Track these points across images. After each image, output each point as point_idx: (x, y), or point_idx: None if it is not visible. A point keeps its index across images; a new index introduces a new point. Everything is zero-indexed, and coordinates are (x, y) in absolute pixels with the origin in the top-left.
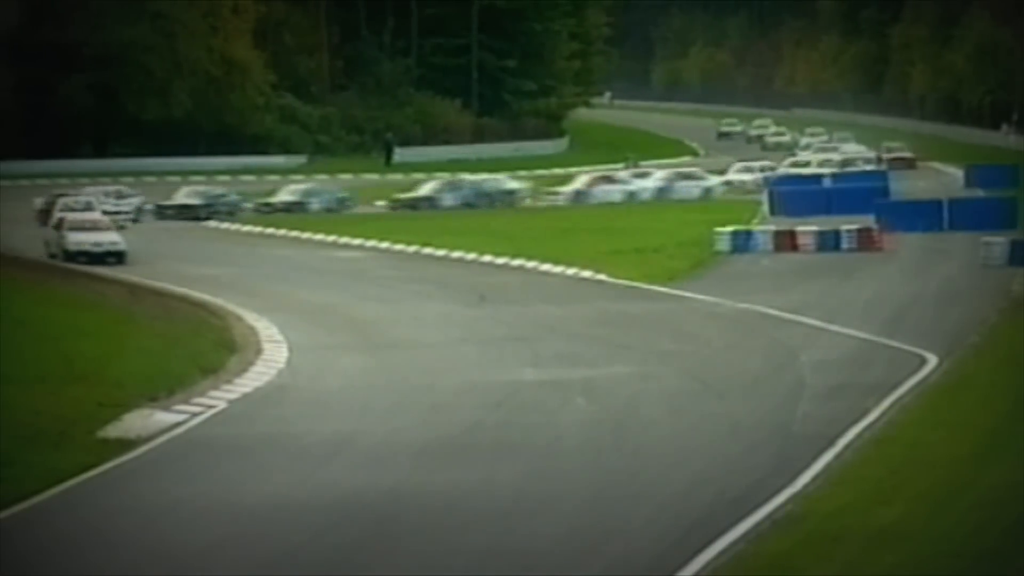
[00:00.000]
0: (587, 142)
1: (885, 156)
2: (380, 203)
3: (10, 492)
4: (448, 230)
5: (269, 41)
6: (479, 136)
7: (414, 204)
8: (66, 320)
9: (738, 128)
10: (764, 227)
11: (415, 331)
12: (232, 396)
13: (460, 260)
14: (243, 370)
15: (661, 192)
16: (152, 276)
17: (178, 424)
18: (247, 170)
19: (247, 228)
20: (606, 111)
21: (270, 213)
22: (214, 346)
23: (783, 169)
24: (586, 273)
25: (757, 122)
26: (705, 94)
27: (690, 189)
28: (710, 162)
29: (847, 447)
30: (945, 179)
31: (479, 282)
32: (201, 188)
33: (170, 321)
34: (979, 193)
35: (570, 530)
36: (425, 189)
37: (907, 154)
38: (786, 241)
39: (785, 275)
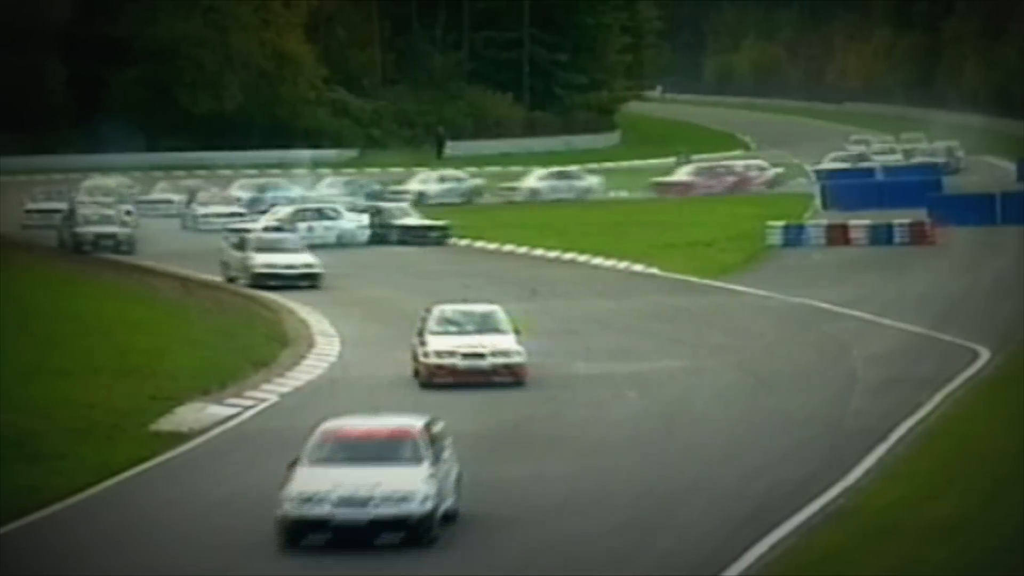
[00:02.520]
0: (638, 136)
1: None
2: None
3: (64, 485)
4: (499, 223)
5: (321, 35)
6: (530, 130)
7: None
8: (119, 314)
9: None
10: (816, 221)
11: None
12: (284, 390)
13: (511, 254)
14: (295, 364)
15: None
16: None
17: (230, 417)
18: (299, 164)
19: None
20: (657, 105)
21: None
22: (266, 339)
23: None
24: (638, 267)
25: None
26: (757, 88)
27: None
28: (761, 156)
29: (899, 441)
30: (998, 173)
31: (530, 276)
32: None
33: (222, 314)
34: None
35: (621, 524)
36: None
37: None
38: (838, 235)
39: (837, 269)
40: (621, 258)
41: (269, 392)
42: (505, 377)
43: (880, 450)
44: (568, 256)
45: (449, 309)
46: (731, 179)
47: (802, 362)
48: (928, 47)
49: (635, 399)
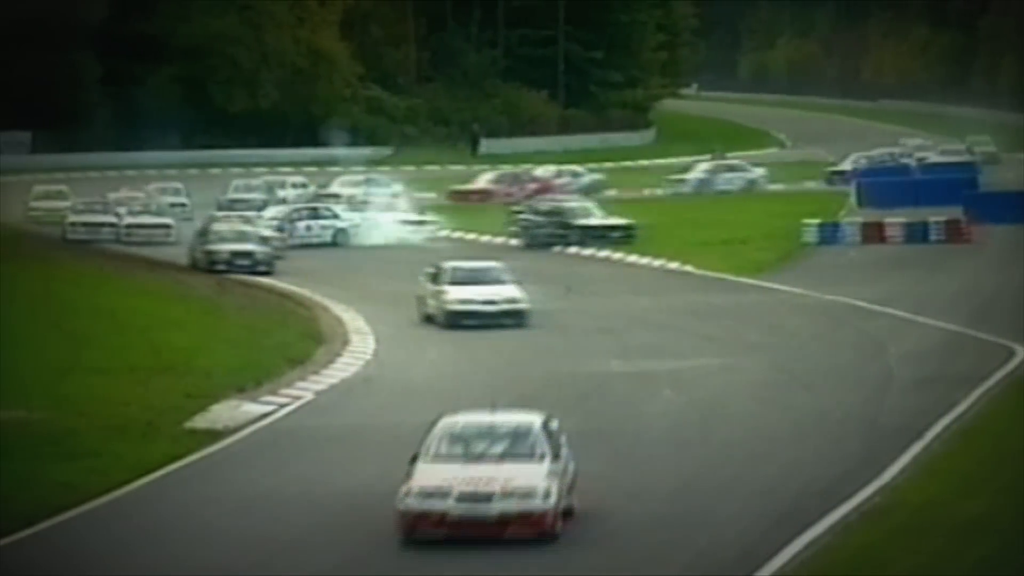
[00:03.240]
0: (674, 133)
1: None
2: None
3: (99, 482)
4: None
5: (356, 32)
6: (565, 127)
7: None
8: (154, 311)
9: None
10: (852, 219)
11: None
12: (319, 387)
13: (545, 251)
14: (330, 361)
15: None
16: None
17: (266, 415)
18: (333, 161)
19: None
20: (693, 102)
21: None
22: (301, 337)
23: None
24: (673, 265)
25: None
26: (792, 85)
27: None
28: (796, 153)
29: (935, 439)
30: None
31: (565, 273)
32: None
33: (257, 312)
34: None
35: (657, 521)
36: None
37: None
38: (874, 233)
39: (873, 267)
40: (656, 256)
41: (304, 389)
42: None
43: (916, 448)
44: (602, 254)
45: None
46: (532, 186)
47: (837, 360)
48: (964, 44)
49: (671, 397)
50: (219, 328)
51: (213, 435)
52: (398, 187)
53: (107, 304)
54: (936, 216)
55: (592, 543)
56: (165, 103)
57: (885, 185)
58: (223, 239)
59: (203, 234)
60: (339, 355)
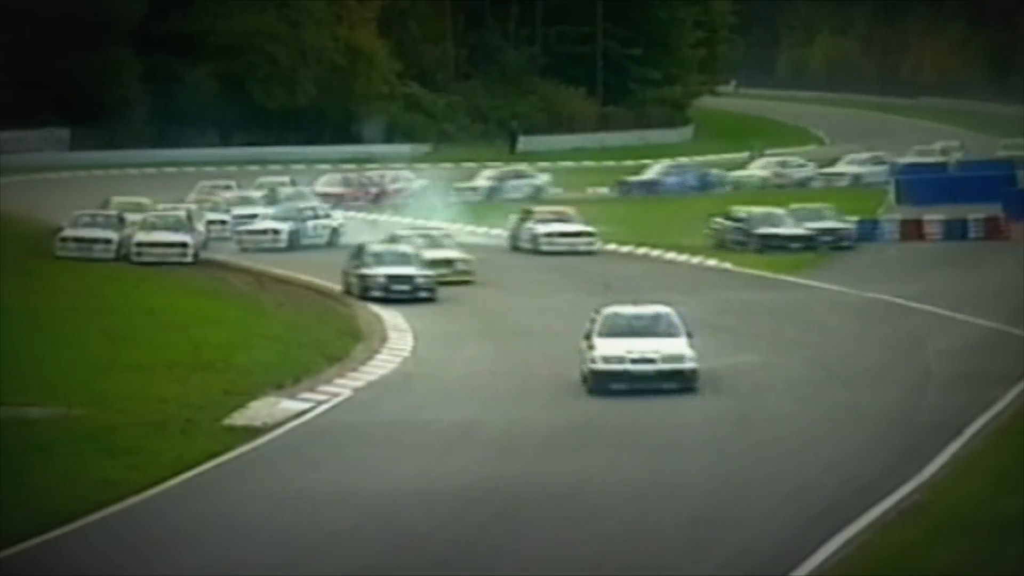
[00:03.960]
0: (712, 130)
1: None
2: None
3: (139, 479)
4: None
5: (394, 29)
6: (604, 124)
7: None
8: (193, 308)
9: None
10: (890, 216)
11: (539, 320)
12: (357, 384)
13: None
14: (368, 358)
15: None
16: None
17: (304, 412)
18: (372, 158)
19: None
20: (731, 99)
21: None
22: (339, 334)
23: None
24: (711, 262)
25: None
26: (831, 82)
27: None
28: (834, 151)
29: (974, 436)
30: None
31: (603, 270)
32: None
33: (295, 309)
34: None
35: (694, 519)
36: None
37: None
38: (912, 230)
39: (911, 264)
40: (694, 253)
41: (342, 386)
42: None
43: (954, 445)
44: (640, 251)
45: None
46: (373, 190)
47: (876, 357)
48: (1003, 41)
49: (709, 394)
50: (257, 325)
51: (251, 432)
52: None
53: (146, 301)
54: (975, 213)
55: (631, 538)
56: (203, 100)
57: (924, 182)
58: (380, 261)
59: (357, 255)
60: (377, 352)
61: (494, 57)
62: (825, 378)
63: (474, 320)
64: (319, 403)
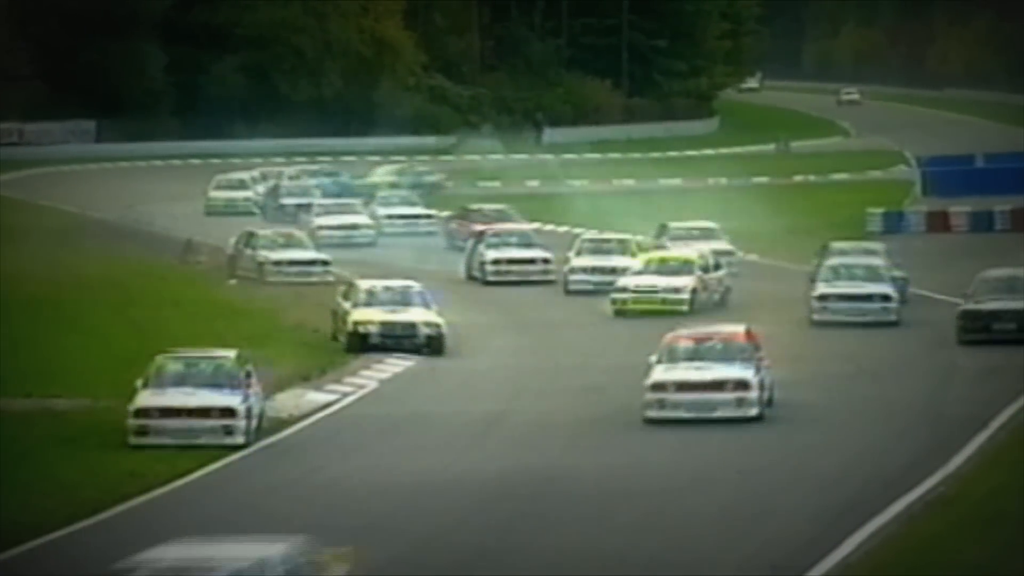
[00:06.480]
0: (737, 123)
1: None
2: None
3: (165, 471)
4: (598, 210)
5: (420, 21)
6: (629, 116)
7: None
8: (219, 299)
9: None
10: (916, 207)
11: (565, 312)
12: (383, 376)
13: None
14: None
15: None
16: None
17: (330, 404)
18: (397, 150)
19: None
20: (756, 91)
21: None
22: None
23: None
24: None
25: None
26: (856, 74)
27: None
28: (860, 142)
29: (1000, 428)
30: None
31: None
32: None
33: (321, 301)
34: None
35: (721, 511)
36: None
37: None
38: (938, 221)
39: (937, 255)
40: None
41: (368, 378)
42: None
43: (981, 438)
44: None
45: None
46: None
47: (903, 349)
48: None
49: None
50: (283, 316)
51: (278, 423)
52: None
53: (172, 293)
54: (1001, 205)
55: (657, 528)
56: (229, 92)
57: (950, 174)
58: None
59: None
60: None
61: (520, 49)
62: (851, 370)
63: (500, 312)
64: (345, 395)
